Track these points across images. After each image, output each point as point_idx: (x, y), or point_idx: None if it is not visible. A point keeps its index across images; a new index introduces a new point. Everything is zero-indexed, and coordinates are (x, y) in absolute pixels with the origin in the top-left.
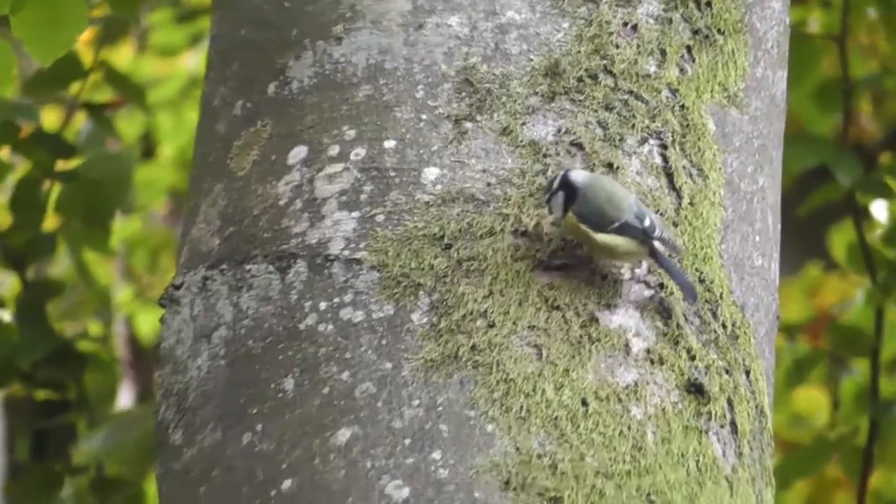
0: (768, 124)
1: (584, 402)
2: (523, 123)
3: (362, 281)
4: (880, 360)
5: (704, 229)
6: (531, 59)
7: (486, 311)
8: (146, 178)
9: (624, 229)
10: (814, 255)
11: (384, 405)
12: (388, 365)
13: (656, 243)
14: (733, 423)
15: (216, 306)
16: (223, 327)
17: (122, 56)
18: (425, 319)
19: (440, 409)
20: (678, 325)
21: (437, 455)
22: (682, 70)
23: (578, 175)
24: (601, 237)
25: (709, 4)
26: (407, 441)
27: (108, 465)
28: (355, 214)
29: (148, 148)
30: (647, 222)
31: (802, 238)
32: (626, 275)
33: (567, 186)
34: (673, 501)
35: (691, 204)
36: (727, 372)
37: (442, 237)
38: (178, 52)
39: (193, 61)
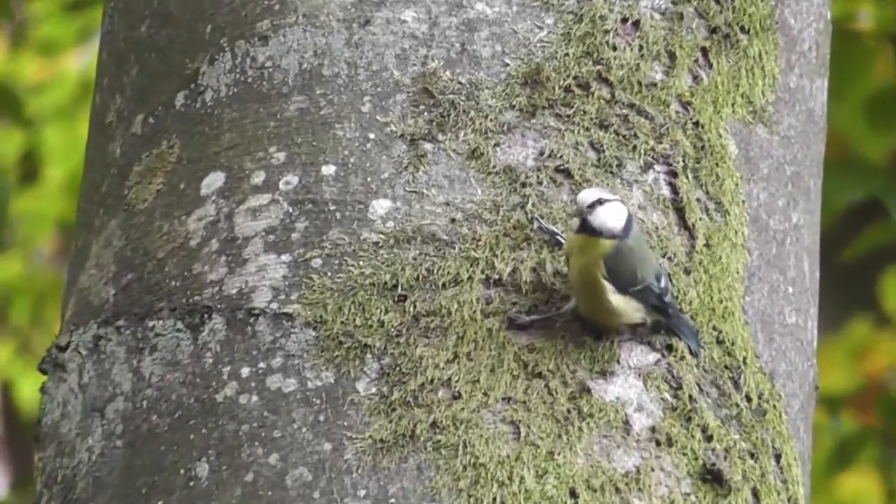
0: (804, 146)
1: (574, 494)
2: (496, 144)
3: (295, 341)
4: None
5: (724, 278)
6: (506, 64)
7: (449, 378)
8: (28, 207)
9: (643, 294)
10: (861, 308)
11: (322, 496)
12: (328, 446)
13: (667, 298)
14: None
15: (111, 373)
16: (120, 399)
17: None
18: (374, 389)
19: (392, 501)
20: (691, 396)
21: None
22: (695, 78)
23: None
24: (617, 300)
25: None
26: None
27: None
28: (286, 258)
29: (30, 170)
30: (663, 283)
31: (847, 288)
32: (626, 334)
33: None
34: None
35: (707, 246)
36: (752, 456)
37: (395, 286)
38: (64, 49)
39: (84, 60)
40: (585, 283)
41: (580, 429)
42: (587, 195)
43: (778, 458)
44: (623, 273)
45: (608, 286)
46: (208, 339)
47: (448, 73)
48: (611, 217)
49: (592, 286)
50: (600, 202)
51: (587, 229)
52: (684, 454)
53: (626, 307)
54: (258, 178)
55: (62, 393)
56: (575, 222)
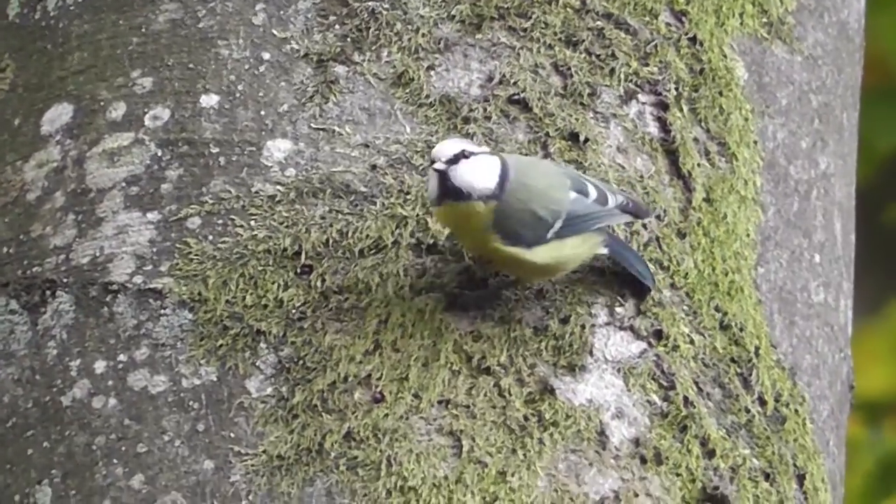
0: (835, 70)
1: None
2: (430, 67)
3: (165, 326)
4: None
5: (730, 243)
6: None
7: (369, 375)
8: None
9: (571, 227)
10: None
11: None
12: (209, 465)
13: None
14: None
15: None
16: None
17: None
18: (269, 390)
19: None
20: (686, 399)
21: None
22: None
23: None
24: (539, 254)
25: None
26: None
27: None
28: (153, 217)
29: None
30: (592, 193)
31: (891, 258)
32: (602, 317)
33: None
34: None
35: (708, 200)
36: (767, 477)
37: (297, 254)
38: None
39: None
40: (495, 259)
41: (541, 441)
42: (444, 149)
43: (801, 479)
44: (525, 225)
45: (519, 249)
46: (51, 323)
47: None
48: (478, 174)
49: (504, 259)
50: (465, 155)
51: (449, 193)
52: (678, 475)
53: (562, 252)
54: (117, 111)
55: None
56: (432, 186)
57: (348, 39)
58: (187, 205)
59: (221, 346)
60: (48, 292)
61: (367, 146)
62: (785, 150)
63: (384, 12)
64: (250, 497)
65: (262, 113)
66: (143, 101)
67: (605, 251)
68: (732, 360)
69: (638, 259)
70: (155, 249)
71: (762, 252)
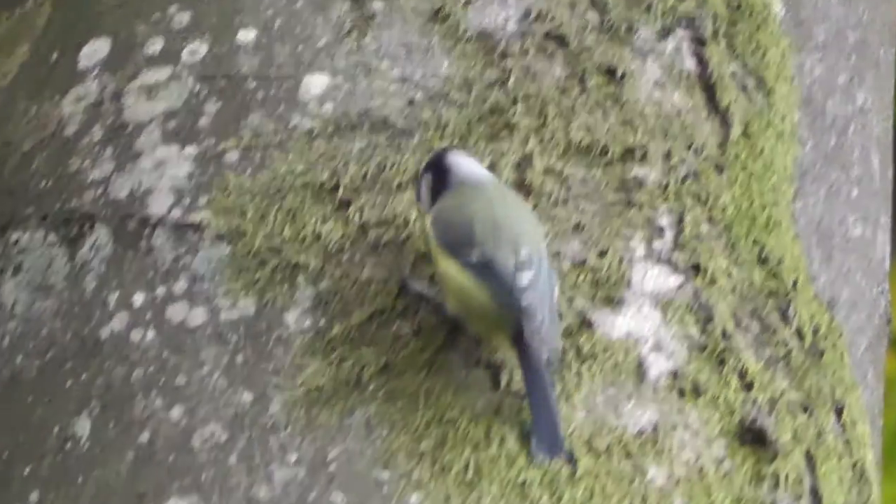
0: (872, 6)
1: (570, 459)
2: (467, 3)
3: (204, 259)
4: None
5: (767, 177)
6: None
7: (406, 308)
8: None
9: (486, 268)
10: None
11: (240, 462)
12: (247, 397)
13: (528, 317)
14: (815, 494)
15: None
16: None
17: None
18: (307, 322)
19: (333, 468)
20: (724, 332)
21: None
22: None
23: (459, 161)
24: (449, 268)
25: None
26: None
27: None
28: (191, 151)
29: None
30: (526, 276)
31: None
32: (640, 250)
33: (439, 170)
34: None
35: (745, 135)
36: (805, 409)
37: (335, 188)
38: None
39: None
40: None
41: (578, 374)
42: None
43: (839, 412)
44: (450, 229)
45: (442, 252)
46: (89, 256)
47: None
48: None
49: (437, 259)
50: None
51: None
52: (716, 407)
53: (466, 284)
54: (154, 46)
55: None
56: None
57: None
58: (225, 139)
59: (259, 279)
60: (86, 226)
61: (404, 80)
62: (822, 86)
63: None
64: (289, 429)
65: (300, 48)
66: (180, 36)
67: (511, 352)
68: (770, 293)
69: (548, 407)
70: (193, 183)
71: (800, 186)
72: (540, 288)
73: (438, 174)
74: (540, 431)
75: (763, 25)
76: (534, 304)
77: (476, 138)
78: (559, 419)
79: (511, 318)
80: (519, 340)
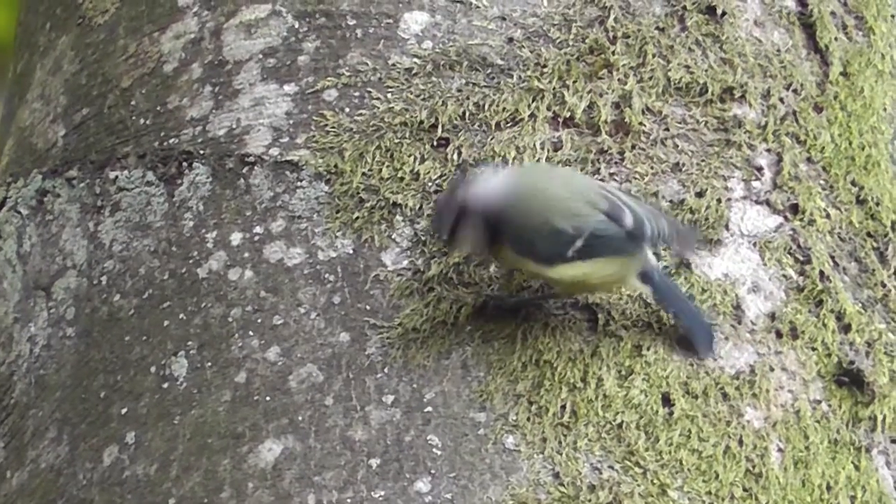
0: None
1: (667, 401)
2: None
3: (301, 198)
4: None
5: (867, 117)
6: None
7: None
8: None
9: (595, 248)
10: None
11: (337, 403)
12: (345, 337)
13: (650, 254)
14: None
15: (60, 239)
16: (72, 273)
17: None
18: (405, 262)
19: (429, 409)
20: (822, 273)
21: (423, 485)
22: None
23: (486, 183)
24: (560, 272)
25: None
26: (374, 463)
27: None
28: (290, 89)
29: None
30: (627, 219)
31: None
32: (738, 191)
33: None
34: None
35: (845, 74)
36: None
37: (433, 127)
38: None
39: None
40: (522, 269)
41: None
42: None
43: None
44: (535, 241)
45: (536, 264)
46: (188, 195)
47: None
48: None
49: (529, 270)
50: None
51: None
52: (813, 349)
53: (582, 271)
54: None
55: None
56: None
57: None
58: (324, 77)
59: (357, 218)
60: (185, 164)
61: (503, 19)
62: None
63: None
64: (385, 370)
65: None
66: None
67: (645, 288)
68: (868, 234)
69: (690, 312)
70: (291, 122)
71: None
72: (634, 215)
73: (466, 213)
74: (697, 335)
75: None
76: (647, 227)
77: (575, 77)
78: (708, 319)
79: (636, 259)
80: (646, 273)
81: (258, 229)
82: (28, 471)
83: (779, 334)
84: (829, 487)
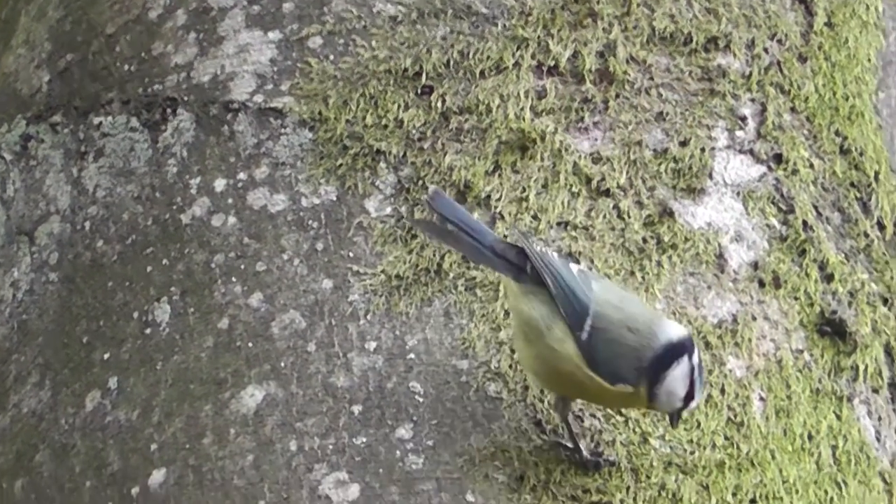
0: None
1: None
2: None
3: (285, 145)
4: None
5: (851, 67)
6: None
7: (488, 196)
8: None
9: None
10: None
11: (319, 349)
12: (327, 284)
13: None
14: (894, 386)
15: (44, 184)
16: (55, 218)
17: None
18: (388, 209)
19: (411, 357)
20: (805, 223)
21: (404, 432)
22: None
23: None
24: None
25: None
26: (356, 409)
27: None
28: (274, 36)
29: None
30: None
31: None
32: (722, 140)
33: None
34: None
35: (829, 25)
36: (885, 302)
37: (418, 74)
38: None
39: None
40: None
41: (659, 264)
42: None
43: None
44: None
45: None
46: (171, 141)
47: None
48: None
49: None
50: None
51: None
52: (796, 299)
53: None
54: None
55: None
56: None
57: None
58: (308, 24)
59: (341, 165)
60: (169, 110)
61: None
62: None
63: None
64: (368, 316)
65: None
66: None
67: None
68: (852, 184)
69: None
70: (275, 69)
71: (883, 77)
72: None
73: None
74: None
75: None
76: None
77: (559, 26)
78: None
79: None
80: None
81: (242, 176)
82: (10, 416)
83: (761, 284)
84: (810, 437)
